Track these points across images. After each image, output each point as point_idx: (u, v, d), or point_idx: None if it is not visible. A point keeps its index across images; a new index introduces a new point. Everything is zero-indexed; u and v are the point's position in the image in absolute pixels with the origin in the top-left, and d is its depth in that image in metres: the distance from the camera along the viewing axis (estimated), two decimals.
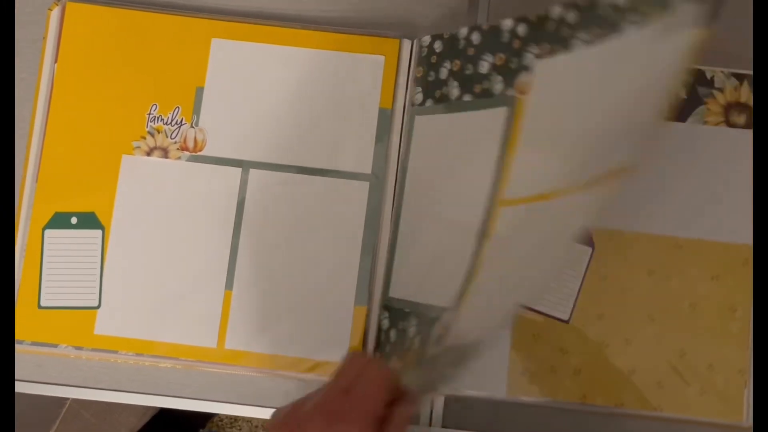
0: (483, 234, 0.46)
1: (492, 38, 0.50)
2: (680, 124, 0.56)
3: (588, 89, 0.42)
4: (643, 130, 0.36)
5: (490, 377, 0.53)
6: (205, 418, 1.14)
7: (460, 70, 0.53)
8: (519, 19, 0.49)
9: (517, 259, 0.43)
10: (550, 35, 0.46)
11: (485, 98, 0.50)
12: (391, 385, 0.42)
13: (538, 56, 0.47)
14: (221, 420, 1.16)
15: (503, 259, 0.44)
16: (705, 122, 0.56)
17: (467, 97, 0.52)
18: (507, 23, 0.49)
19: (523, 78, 0.48)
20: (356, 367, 0.43)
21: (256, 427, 1.15)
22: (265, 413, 0.55)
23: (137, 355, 0.55)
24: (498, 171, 0.47)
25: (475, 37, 0.52)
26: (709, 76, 0.56)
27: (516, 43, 0.49)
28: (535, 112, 0.46)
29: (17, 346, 0.54)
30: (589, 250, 0.54)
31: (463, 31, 0.53)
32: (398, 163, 0.56)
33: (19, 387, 0.55)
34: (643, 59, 0.38)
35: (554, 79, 0.46)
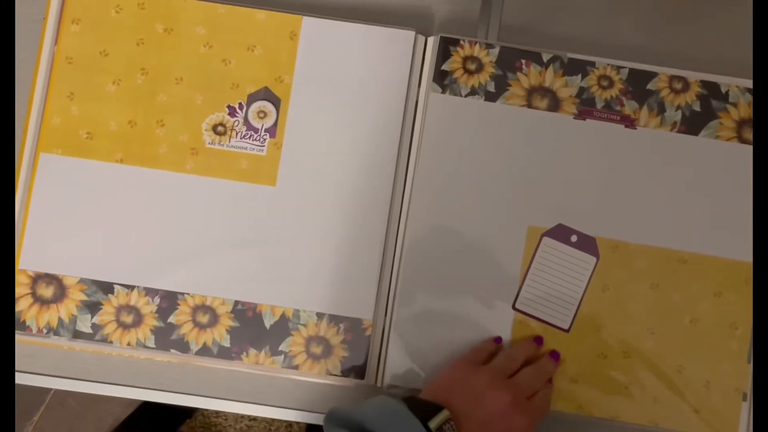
0: None
1: None
2: (692, 137, 0.55)
3: None
4: None
5: None
6: (191, 408, 1.13)
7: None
8: None
9: None
10: None
11: None
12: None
13: None
14: (205, 410, 1.15)
15: None
16: (717, 136, 0.55)
17: None
18: None
19: None
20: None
21: (242, 417, 1.14)
22: (261, 411, 0.54)
23: (131, 348, 0.53)
24: None
25: None
26: (723, 90, 0.55)
27: None
28: None
29: None
30: (594, 259, 0.54)
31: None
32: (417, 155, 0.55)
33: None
34: None
35: None
